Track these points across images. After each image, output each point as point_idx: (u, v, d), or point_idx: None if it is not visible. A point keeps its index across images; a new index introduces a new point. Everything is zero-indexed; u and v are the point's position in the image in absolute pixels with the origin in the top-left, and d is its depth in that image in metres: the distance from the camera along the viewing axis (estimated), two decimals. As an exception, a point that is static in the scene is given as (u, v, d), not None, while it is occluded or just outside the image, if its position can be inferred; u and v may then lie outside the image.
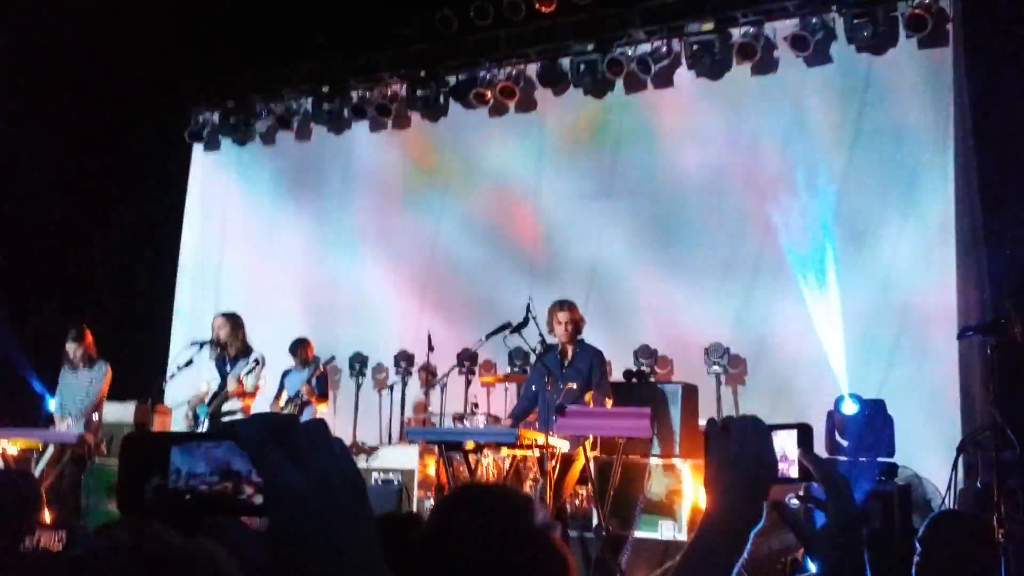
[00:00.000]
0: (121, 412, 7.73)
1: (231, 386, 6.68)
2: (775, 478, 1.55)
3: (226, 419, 6.68)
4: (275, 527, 1.06)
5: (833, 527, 1.56)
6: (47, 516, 6.58)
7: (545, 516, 1.55)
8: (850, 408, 6.63)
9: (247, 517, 1.23)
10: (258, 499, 1.11)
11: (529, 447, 5.94)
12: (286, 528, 1.03)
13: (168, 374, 7.08)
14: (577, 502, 6.38)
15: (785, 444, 1.61)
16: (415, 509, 7.29)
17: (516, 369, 8.31)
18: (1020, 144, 6.99)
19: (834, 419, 6.68)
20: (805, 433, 1.62)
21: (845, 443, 6.14)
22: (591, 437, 6.13)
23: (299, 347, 8.50)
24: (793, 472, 1.60)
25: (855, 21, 8.14)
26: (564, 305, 6.48)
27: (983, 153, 7.58)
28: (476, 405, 8.00)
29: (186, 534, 1.33)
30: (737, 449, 1.53)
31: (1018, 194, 6.96)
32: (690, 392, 7.20)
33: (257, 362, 6.79)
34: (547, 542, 1.47)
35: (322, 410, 8.52)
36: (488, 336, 6.73)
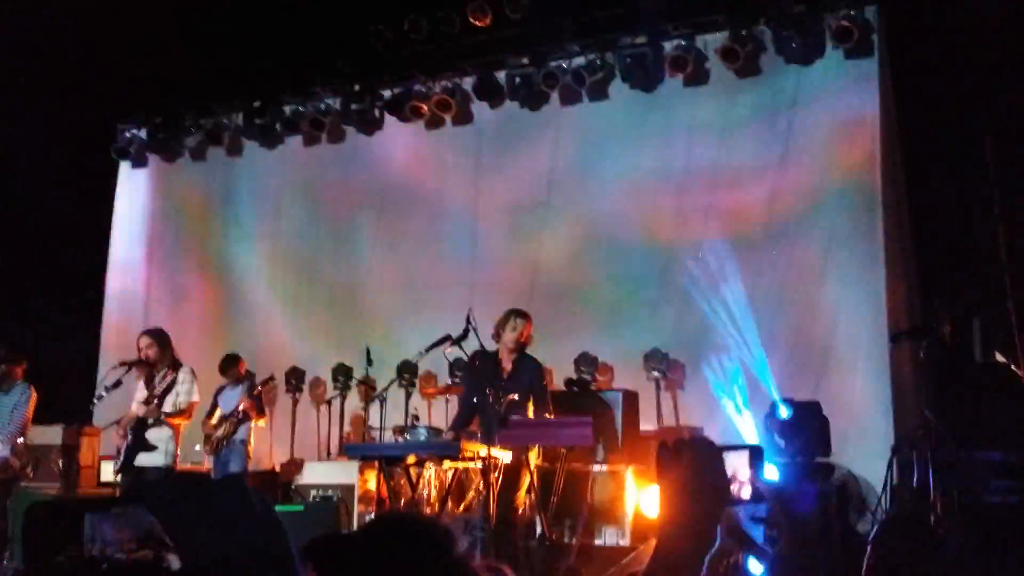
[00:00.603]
0: (49, 435, 7.46)
1: (141, 411, 6.50)
2: (728, 500, 1.56)
3: (150, 433, 6.49)
4: None
5: (788, 547, 1.58)
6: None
7: (463, 546, 1.54)
8: (784, 413, 6.72)
9: None
10: (173, 564, 1.08)
11: (471, 459, 5.88)
12: None
13: (96, 395, 6.82)
14: (520, 511, 6.32)
15: (736, 465, 1.63)
16: (355, 525, 7.17)
17: (457, 381, 8.24)
18: (946, 149, 7.22)
19: (771, 422, 6.76)
20: (757, 454, 1.64)
21: (782, 444, 6.22)
22: (536, 448, 6.08)
23: (230, 364, 8.32)
24: (745, 493, 1.62)
25: (783, 33, 8.32)
26: (523, 315, 6.43)
27: (910, 159, 7.81)
28: (416, 418, 7.88)
29: None
30: (690, 473, 1.54)
31: (945, 198, 7.18)
32: (631, 398, 7.23)
33: (174, 381, 6.56)
34: (469, 573, 1.47)
35: (259, 426, 8.35)
36: (428, 349, 6.64)
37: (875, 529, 3.16)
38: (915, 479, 5.25)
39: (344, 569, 1.43)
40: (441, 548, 1.45)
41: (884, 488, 5.74)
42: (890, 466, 5.78)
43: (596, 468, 6.58)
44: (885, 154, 7.95)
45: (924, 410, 5.04)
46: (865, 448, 7.00)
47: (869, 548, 3.10)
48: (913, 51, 7.72)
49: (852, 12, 8.09)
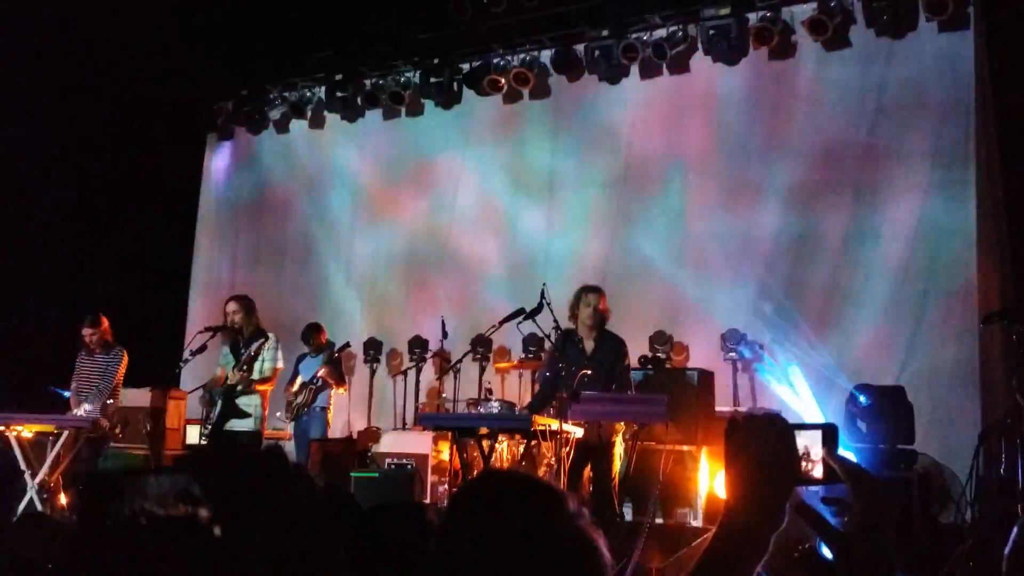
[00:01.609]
0: (137, 397, 7.74)
1: (232, 379, 6.65)
2: (798, 478, 1.50)
3: (240, 399, 6.68)
4: (235, 562, 1.03)
5: (858, 529, 1.48)
6: (63, 500, 6.62)
7: (576, 504, 1.44)
8: (861, 400, 6.55)
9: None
10: (216, 530, 1.09)
11: (543, 433, 5.89)
12: (246, 563, 1.01)
13: (182, 360, 7.06)
14: (616, 488, 6.29)
15: (809, 443, 1.58)
16: (428, 494, 7.27)
17: (530, 355, 8.27)
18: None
19: (852, 407, 6.60)
20: (830, 433, 1.59)
21: (864, 430, 6.07)
22: (622, 427, 6.05)
23: (311, 333, 8.51)
24: (817, 472, 1.56)
25: (874, 4, 8.02)
26: (595, 289, 6.37)
27: (1005, 137, 7.47)
28: (490, 391, 7.95)
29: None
30: (759, 448, 1.48)
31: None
32: (707, 378, 7.14)
33: (260, 349, 6.70)
34: (581, 535, 1.36)
35: (339, 394, 8.53)
36: (502, 322, 6.67)
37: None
38: (1002, 468, 5.06)
39: (449, 528, 1.38)
40: (552, 504, 1.36)
41: (970, 477, 5.56)
42: (976, 455, 5.58)
43: (670, 447, 6.52)
44: (979, 134, 7.62)
45: (1016, 396, 4.83)
46: (951, 437, 6.79)
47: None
48: (1011, 25, 7.36)
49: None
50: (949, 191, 7.69)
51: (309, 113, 10.77)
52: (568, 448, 5.84)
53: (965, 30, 7.81)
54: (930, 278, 7.61)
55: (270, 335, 6.88)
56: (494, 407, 7.14)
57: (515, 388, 8.45)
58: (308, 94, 10.77)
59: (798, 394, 7.54)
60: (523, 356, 8.39)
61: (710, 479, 6.45)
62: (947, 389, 7.16)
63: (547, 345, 7.42)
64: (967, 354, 7.25)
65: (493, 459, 6.49)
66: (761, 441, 1.50)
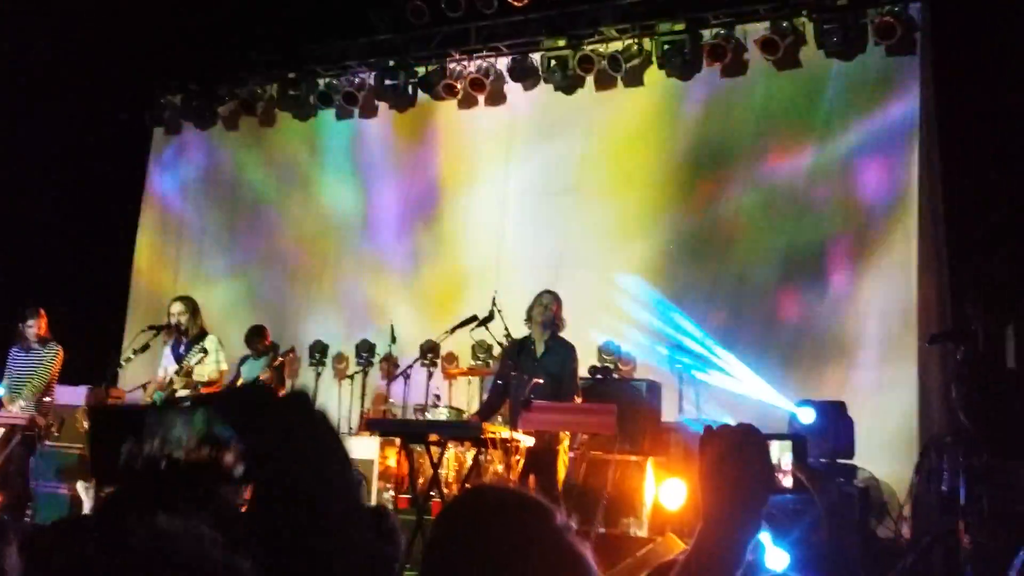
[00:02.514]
0: (73, 395, 7.52)
1: (177, 383, 6.51)
2: (772, 489, 1.52)
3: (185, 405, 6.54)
4: (260, 496, 1.01)
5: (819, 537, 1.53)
6: (-8, 498, 6.39)
7: (564, 520, 1.40)
8: (807, 416, 6.65)
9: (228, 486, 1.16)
10: (239, 469, 1.07)
11: (493, 441, 5.88)
12: (271, 497, 0.99)
13: (123, 358, 6.89)
14: (554, 497, 6.31)
15: (779, 454, 1.60)
16: (375, 501, 7.20)
17: (480, 363, 8.25)
18: (985, 152, 7.10)
19: (795, 420, 6.71)
20: (800, 444, 1.61)
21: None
22: (567, 435, 6.08)
23: (255, 335, 8.36)
24: (787, 482, 1.59)
25: (825, 26, 8.20)
26: (552, 293, 6.45)
27: (948, 161, 7.70)
28: (438, 397, 7.92)
29: (164, 507, 1.23)
30: (734, 460, 1.49)
31: (982, 203, 7.08)
32: (654, 389, 7.21)
33: (205, 351, 6.60)
34: (570, 549, 1.36)
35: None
36: (453, 329, 6.66)
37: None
38: (944, 485, 5.19)
39: (442, 542, 1.37)
40: (540, 519, 1.36)
41: (909, 492, 5.69)
42: (917, 470, 5.72)
43: (617, 457, 6.56)
44: (923, 154, 7.85)
45: (959, 414, 4.96)
46: (890, 452, 6.95)
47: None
48: (957, 51, 7.60)
49: (896, 8, 7.97)
50: (891, 212, 7.88)
51: (260, 110, 10.61)
52: (518, 456, 5.84)
53: (912, 55, 8.03)
54: (872, 297, 7.79)
55: (212, 337, 6.76)
56: (442, 413, 7.13)
57: (463, 395, 8.42)
58: (259, 91, 10.61)
59: (743, 406, 7.64)
60: (472, 363, 8.37)
61: (656, 489, 6.50)
62: (886, 405, 7.34)
63: (496, 352, 7.43)
64: (906, 371, 7.43)
65: (441, 466, 6.46)
66: (738, 453, 1.51)
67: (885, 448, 7.02)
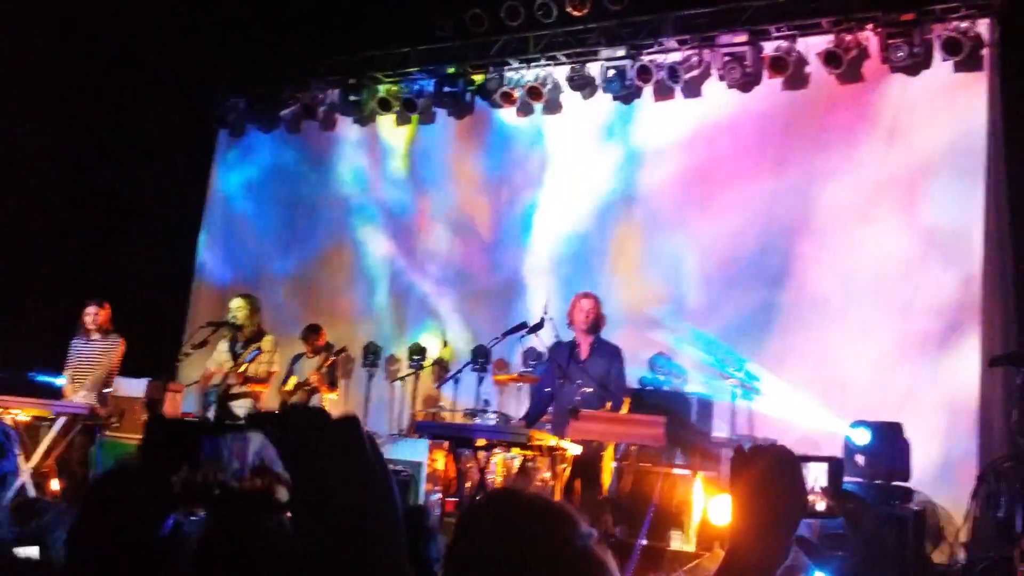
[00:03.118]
0: (134, 387, 7.71)
1: (232, 379, 6.63)
2: (804, 512, 1.50)
3: (235, 403, 6.65)
4: (303, 524, 1.02)
5: (856, 564, 1.52)
6: (55, 486, 6.58)
7: (588, 528, 1.40)
8: (861, 437, 6.54)
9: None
10: (283, 495, 1.07)
11: (540, 448, 5.88)
12: (314, 527, 1.00)
13: (182, 352, 7.04)
14: (601, 507, 6.28)
15: (815, 476, 1.59)
16: (422, 502, 7.24)
17: (530, 369, 8.27)
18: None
19: (850, 441, 6.61)
20: (836, 468, 1.59)
21: (861, 464, 6.07)
22: (612, 445, 6.06)
23: (311, 334, 8.47)
24: (820, 506, 1.57)
25: (890, 41, 8.08)
26: (588, 294, 6.42)
27: (1014, 180, 7.52)
28: (487, 402, 7.95)
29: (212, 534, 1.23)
30: (767, 480, 1.48)
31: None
32: (705, 403, 7.14)
33: (260, 351, 6.73)
34: (592, 557, 1.36)
35: (330, 399, 8.49)
36: (504, 335, 6.68)
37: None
38: (1001, 512, 5.07)
39: (460, 545, 1.38)
40: (565, 526, 1.35)
41: (966, 518, 5.56)
42: (974, 495, 5.59)
43: (665, 470, 6.52)
44: (989, 174, 7.67)
45: (1018, 439, 4.84)
46: (948, 476, 6.80)
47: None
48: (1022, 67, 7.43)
49: (963, 24, 7.82)
50: (955, 231, 7.72)
51: (321, 114, 10.79)
52: (565, 465, 5.83)
53: (978, 71, 7.87)
54: (933, 317, 7.63)
55: (269, 336, 6.86)
56: (491, 419, 7.16)
57: (512, 401, 8.44)
58: (321, 96, 10.79)
59: (796, 425, 7.54)
60: (523, 370, 8.39)
61: (704, 504, 6.44)
62: (946, 428, 7.18)
63: (545, 359, 7.43)
64: (967, 394, 7.26)
65: (488, 471, 6.48)
66: (770, 474, 1.50)
67: (944, 472, 6.87)
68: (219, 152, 11.47)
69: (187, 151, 10.67)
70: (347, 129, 10.75)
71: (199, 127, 11.01)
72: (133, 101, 9.78)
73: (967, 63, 7.87)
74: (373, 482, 1.09)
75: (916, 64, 8.09)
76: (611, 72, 9.28)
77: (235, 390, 6.75)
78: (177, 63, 9.69)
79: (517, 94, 9.65)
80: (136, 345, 7.50)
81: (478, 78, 9.99)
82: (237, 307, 6.89)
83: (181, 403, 8.11)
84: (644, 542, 6.07)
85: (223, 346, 6.89)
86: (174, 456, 1.14)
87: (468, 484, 6.73)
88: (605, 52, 9.37)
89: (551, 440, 5.75)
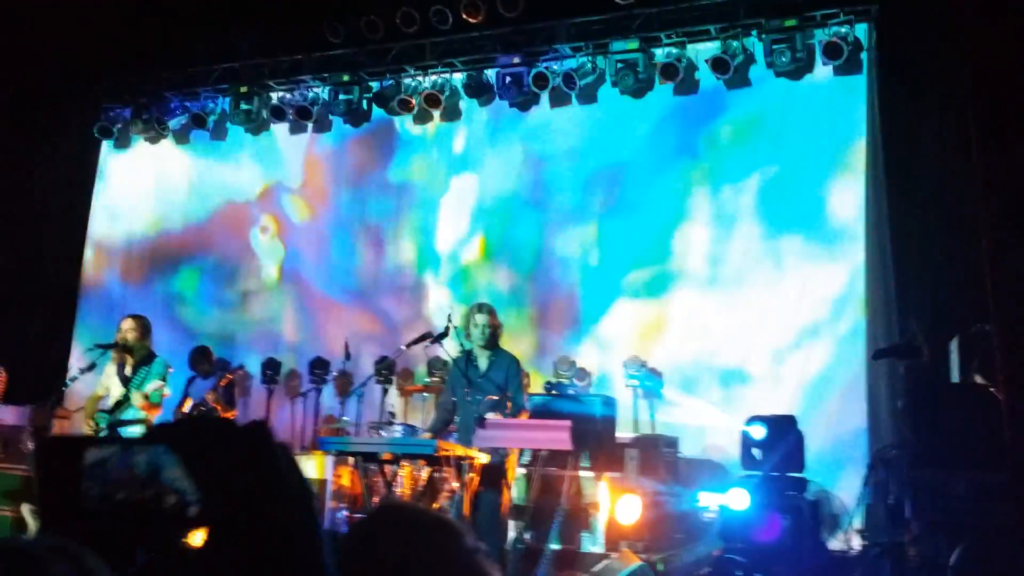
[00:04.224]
0: (18, 415, 7.34)
1: (136, 400, 6.37)
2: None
3: (129, 428, 6.39)
4: (217, 536, 0.99)
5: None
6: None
7: (473, 539, 1.42)
8: (758, 432, 6.71)
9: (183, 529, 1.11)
10: (192, 510, 1.03)
11: (448, 459, 5.84)
12: (228, 537, 0.96)
13: (69, 377, 6.73)
14: (505, 513, 6.28)
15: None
16: (328, 520, 7.11)
17: (435, 379, 8.21)
18: (930, 171, 7.27)
19: (747, 435, 6.77)
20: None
21: (758, 457, 6.23)
22: (515, 451, 6.06)
23: (199, 356, 8.23)
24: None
25: (774, 46, 8.35)
26: (482, 308, 6.31)
27: (893, 179, 7.87)
28: (393, 415, 7.87)
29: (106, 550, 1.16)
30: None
31: (925, 220, 7.23)
32: (610, 405, 7.23)
33: (164, 380, 6.51)
34: (478, 569, 1.38)
35: (230, 417, 8.26)
36: (408, 345, 6.61)
37: (955, 556, 3.11)
38: (891, 498, 5.27)
39: (348, 560, 1.35)
40: (452, 539, 1.36)
41: (857, 504, 5.78)
42: (865, 483, 5.81)
43: (571, 473, 6.56)
44: (869, 172, 8.01)
45: (903, 428, 5.06)
46: (841, 465, 7.05)
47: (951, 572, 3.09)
48: (903, 70, 7.78)
49: (843, 29, 8.15)
50: (841, 229, 8.03)
51: (211, 124, 10.50)
52: (473, 474, 5.81)
53: (858, 74, 8.21)
54: (822, 311, 7.92)
55: (158, 358, 6.61)
56: (397, 431, 7.07)
57: (418, 412, 8.37)
58: (211, 104, 10.50)
59: (695, 422, 7.72)
60: (428, 380, 8.33)
61: (611, 505, 6.51)
62: (837, 419, 7.45)
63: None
64: (856, 385, 7.56)
65: (395, 484, 6.41)
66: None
67: (837, 462, 7.13)
68: (103, 164, 11.01)
69: (70, 162, 10.23)
70: (239, 139, 10.47)
71: (81, 138, 10.54)
72: (11, 108, 9.32)
73: (847, 66, 8.19)
74: (286, 490, 1.05)
75: (799, 68, 8.38)
76: (508, 79, 9.32)
77: (127, 415, 6.47)
78: (57, 70, 9.29)
79: (415, 101, 9.60)
80: (19, 372, 7.14)
81: (374, 85, 9.89)
82: (128, 327, 6.61)
83: (68, 430, 7.76)
84: (554, 546, 6.10)
85: (111, 369, 6.59)
86: (68, 475, 1.07)
87: (375, 499, 6.64)
88: (502, 59, 9.39)
89: (459, 450, 5.73)
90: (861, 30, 8.20)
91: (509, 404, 6.21)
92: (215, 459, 1.03)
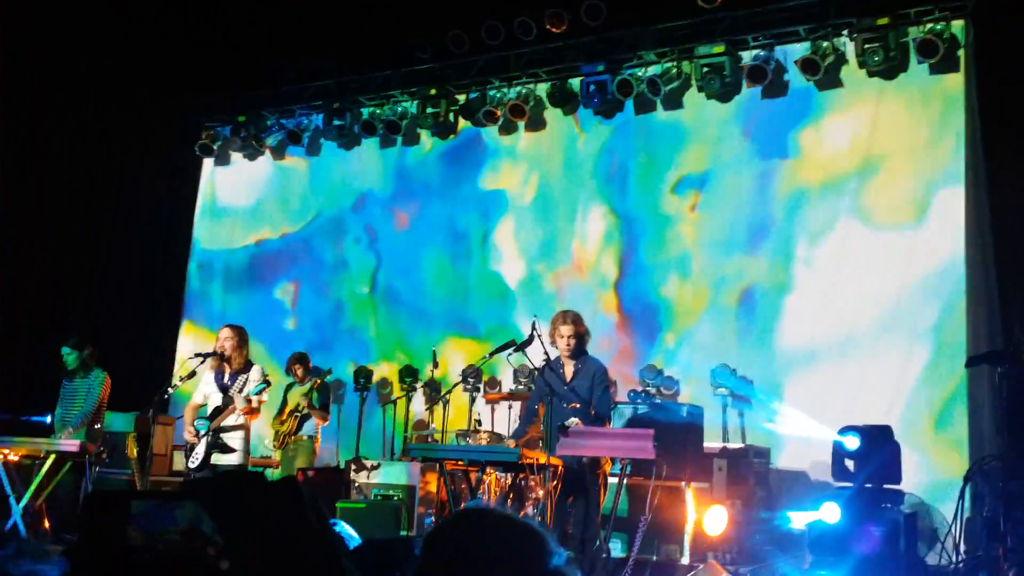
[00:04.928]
0: (124, 422, 7.71)
1: (240, 404, 6.61)
2: None
3: (227, 435, 6.63)
4: None
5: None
6: (47, 524, 6.57)
7: (558, 547, 1.38)
8: (851, 442, 6.50)
9: None
10: (224, 564, 1.06)
11: (532, 467, 5.86)
12: None
13: (171, 385, 7.03)
14: (598, 522, 6.27)
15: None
16: (415, 526, 7.23)
17: (520, 387, 8.26)
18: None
19: (840, 445, 6.58)
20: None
21: (851, 469, 6.04)
22: (609, 460, 6.04)
23: (296, 362, 8.47)
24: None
25: (866, 46, 8.12)
26: (567, 317, 6.30)
27: (995, 181, 7.53)
28: (479, 422, 7.94)
29: None
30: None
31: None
32: (696, 414, 7.12)
33: (268, 383, 6.75)
34: None
35: (323, 423, 8.49)
36: (493, 353, 6.65)
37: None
38: (986, 509, 5.04)
39: (428, 557, 1.35)
40: (532, 545, 1.32)
41: (955, 518, 5.54)
42: (961, 495, 5.57)
43: (658, 483, 6.49)
44: (969, 173, 7.69)
45: (998, 438, 4.83)
46: (939, 477, 6.78)
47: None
48: (1000, 68, 7.45)
49: (938, 27, 7.86)
50: (939, 233, 7.73)
51: (306, 140, 10.83)
52: (555, 482, 5.82)
53: (955, 73, 7.90)
54: (920, 320, 7.63)
55: (255, 367, 6.84)
56: (483, 438, 7.14)
57: (504, 420, 8.43)
58: (305, 121, 10.84)
59: (787, 431, 7.53)
60: (513, 387, 8.38)
61: (697, 516, 6.41)
62: (935, 429, 7.16)
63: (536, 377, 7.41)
64: (955, 395, 7.26)
65: (480, 491, 6.46)
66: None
67: (935, 474, 6.86)
68: (204, 180, 11.47)
69: (174, 179, 10.70)
70: (332, 154, 10.76)
71: (183, 156, 11.02)
72: (118, 131, 9.81)
73: (943, 65, 7.90)
74: (316, 544, 1.08)
75: (893, 68, 8.12)
76: (592, 87, 9.31)
77: (227, 422, 6.72)
78: (159, 93, 9.74)
79: (500, 112, 9.69)
80: (125, 378, 7.49)
81: (460, 98, 10.02)
82: (226, 336, 6.86)
83: (172, 435, 8.12)
84: (637, 556, 6.05)
85: (209, 377, 6.86)
86: (106, 525, 1.13)
87: (462, 505, 6.72)
88: (585, 67, 9.39)
89: (542, 458, 5.74)
90: (957, 27, 7.89)
91: (593, 412, 6.20)
92: (245, 515, 1.06)
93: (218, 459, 6.57)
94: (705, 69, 8.78)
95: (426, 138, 10.29)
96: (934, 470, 6.88)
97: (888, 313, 7.76)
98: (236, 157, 11.27)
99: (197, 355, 6.95)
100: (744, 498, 6.87)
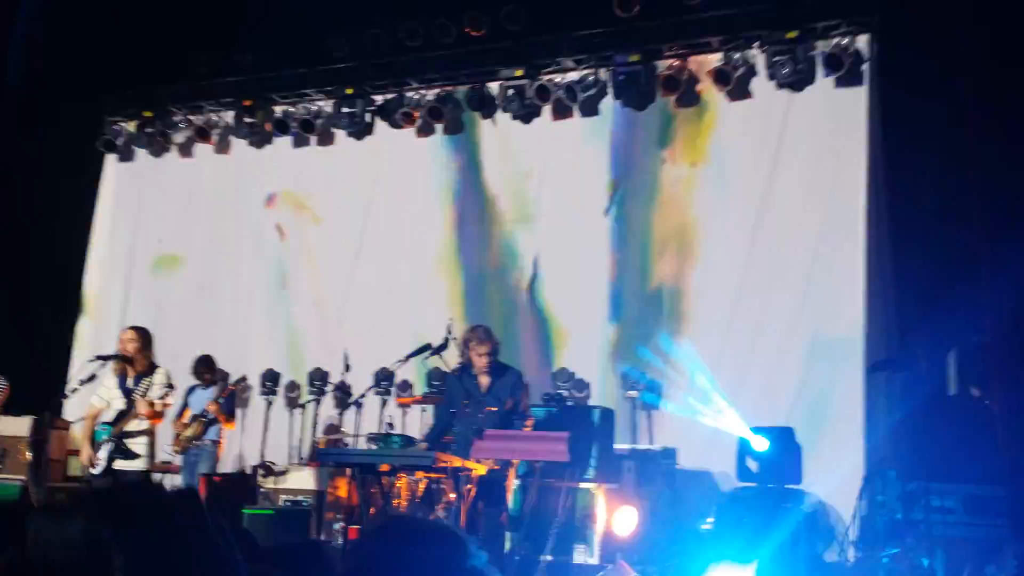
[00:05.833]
0: (18, 426, 7.37)
1: (142, 408, 6.39)
2: None
3: (131, 440, 6.41)
4: None
5: None
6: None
7: (479, 550, 1.41)
8: (761, 444, 6.67)
9: None
10: (117, 572, 1.05)
11: (446, 470, 5.83)
12: None
13: (68, 389, 6.75)
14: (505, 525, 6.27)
15: None
16: (325, 532, 7.11)
17: (433, 391, 8.21)
18: (932, 184, 7.23)
19: (744, 446, 6.75)
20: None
21: (754, 469, 6.20)
22: (516, 463, 6.05)
23: (202, 366, 8.25)
24: None
25: (775, 58, 8.36)
26: (478, 335, 6.24)
27: (895, 192, 7.83)
28: (391, 426, 7.87)
29: None
30: None
31: (927, 234, 7.20)
32: (608, 416, 7.21)
33: (171, 387, 6.55)
34: None
35: (229, 430, 8.27)
36: (407, 357, 6.60)
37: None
38: (884, 510, 5.23)
39: (353, 572, 1.34)
40: (454, 549, 1.37)
41: (853, 517, 5.74)
42: (860, 496, 5.77)
43: (568, 484, 6.54)
44: (870, 184, 7.98)
45: (899, 440, 5.04)
46: (838, 478, 7.00)
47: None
48: (903, 82, 7.76)
49: (843, 41, 8.15)
50: (840, 241, 7.99)
51: (215, 138, 10.55)
52: (470, 486, 5.80)
53: (859, 86, 8.20)
54: (820, 324, 7.88)
55: (160, 369, 6.63)
56: (395, 442, 7.08)
57: (416, 424, 8.37)
58: (214, 118, 10.57)
59: (695, 432, 7.68)
60: (426, 391, 8.32)
61: (607, 516, 6.48)
62: (833, 432, 7.40)
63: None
64: (853, 398, 7.51)
65: (392, 496, 6.39)
66: None
67: (834, 475, 7.07)
68: (107, 177, 11.07)
69: (73, 175, 10.28)
70: (242, 152, 10.51)
71: (85, 151, 10.61)
72: (16, 121, 9.39)
73: (848, 78, 8.18)
74: (213, 557, 1.06)
75: (800, 80, 8.38)
76: (510, 92, 9.34)
77: (131, 427, 6.49)
78: (61, 84, 9.36)
79: (418, 114, 9.63)
80: (19, 383, 7.17)
81: (377, 99, 9.93)
82: (129, 338, 6.64)
83: (68, 441, 7.79)
84: (549, 558, 6.08)
85: (111, 381, 6.61)
86: (6, 540, 1.08)
87: (372, 510, 6.63)
88: (504, 72, 9.42)
89: (457, 462, 5.72)
90: (862, 42, 8.19)
91: (528, 416, 6.18)
92: (142, 527, 1.04)
93: (121, 465, 6.35)
94: (621, 77, 8.91)
95: (341, 137, 10.14)
96: (833, 471, 7.09)
97: (791, 317, 7.98)
98: (141, 154, 10.90)
99: (99, 357, 6.71)
100: (652, 498, 6.98)
